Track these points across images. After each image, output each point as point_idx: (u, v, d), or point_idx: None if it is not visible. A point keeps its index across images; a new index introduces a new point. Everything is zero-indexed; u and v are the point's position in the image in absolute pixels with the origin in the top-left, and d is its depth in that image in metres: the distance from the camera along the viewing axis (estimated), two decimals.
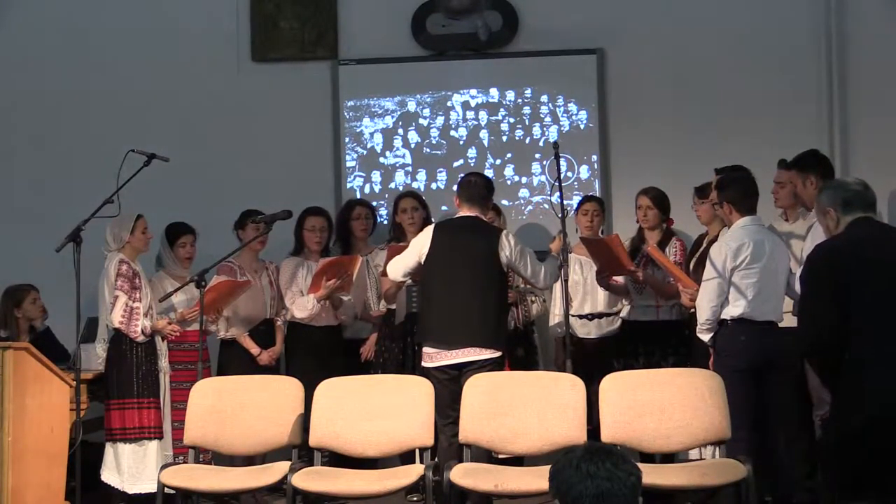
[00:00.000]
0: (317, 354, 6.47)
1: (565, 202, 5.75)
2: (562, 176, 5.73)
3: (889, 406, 4.13)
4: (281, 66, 7.46)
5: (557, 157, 5.68)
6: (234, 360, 6.48)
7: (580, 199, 6.66)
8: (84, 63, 7.47)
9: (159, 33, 7.48)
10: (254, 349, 6.49)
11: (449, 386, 5.63)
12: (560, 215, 5.63)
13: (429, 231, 5.89)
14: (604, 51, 7.28)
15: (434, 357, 5.70)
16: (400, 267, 5.94)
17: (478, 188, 5.88)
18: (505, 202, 7.05)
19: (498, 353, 5.70)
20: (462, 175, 6.24)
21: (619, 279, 6.27)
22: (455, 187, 6.23)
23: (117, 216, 5.73)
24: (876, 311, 4.18)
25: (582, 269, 6.48)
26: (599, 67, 7.25)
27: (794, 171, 5.77)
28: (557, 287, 6.29)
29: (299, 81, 7.43)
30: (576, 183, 7.21)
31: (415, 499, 6.26)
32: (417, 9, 7.39)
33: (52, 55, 7.48)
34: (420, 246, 5.84)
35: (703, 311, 5.46)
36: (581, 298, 6.49)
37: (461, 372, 5.64)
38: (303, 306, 6.48)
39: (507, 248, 5.75)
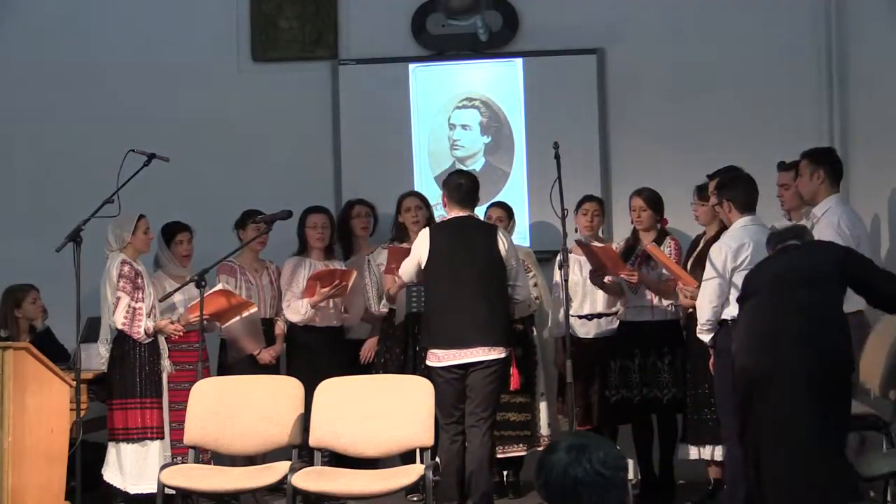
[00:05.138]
0: (317, 355, 6.47)
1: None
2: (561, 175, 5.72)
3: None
4: (281, 66, 7.46)
5: (557, 157, 5.67)
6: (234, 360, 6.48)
7: (580, 198, 6.65)
8: (84, 62, 7.47)
9: (159, 33, 7.48)
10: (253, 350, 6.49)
11: (454, 384, 5.63)
12: (560, 215, 5.63)
13: (425, 235, 5.86)
14: (604, 51, 7.27)
15: (442, 357, 5.67)
16: (408, 271, 5.93)
17: (466, 187, 5.87)
18: (505, 202, 7.04)
19: (505, 353, 5.70)
20: (447, 175, 6.22)
21: (612, 278, 6.27)
22: (441, 188, 6.21)
23: (119, 216, 5.72)
24: None
25: (581, 269, 6.46)
26: (599, 67, 7.25)
27: (805, 161, 5.66)
28: (558, 287, 6.29)
29: (299, 81, 7.43)
30: (575, 183, 7.19)
31: (415, 499, 6.26)
32: (417, 9, 7.38)
33: (52, 54, 7.48)
34: (418, 250, 5.83)
35: (704, 311, 5.43)
36: (581, 298, 6.48)
37: (467, 371, 5.64)
38: (296, 311, 6.48)
39: (503, 244, 5.77)
